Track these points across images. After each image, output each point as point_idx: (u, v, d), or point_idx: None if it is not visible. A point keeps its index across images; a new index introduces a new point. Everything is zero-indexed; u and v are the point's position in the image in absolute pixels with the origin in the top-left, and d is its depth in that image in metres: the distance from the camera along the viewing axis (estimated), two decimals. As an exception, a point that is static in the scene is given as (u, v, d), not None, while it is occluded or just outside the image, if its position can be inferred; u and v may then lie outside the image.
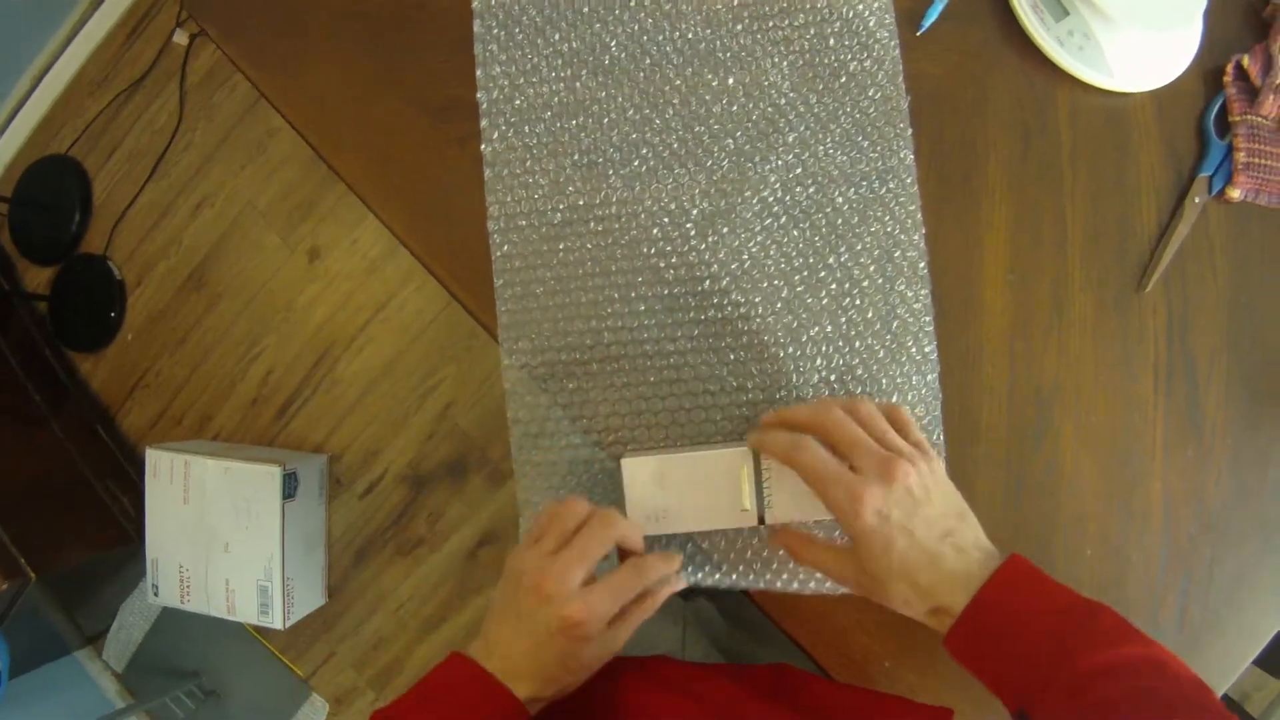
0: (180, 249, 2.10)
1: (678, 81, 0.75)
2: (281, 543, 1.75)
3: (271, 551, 1.75)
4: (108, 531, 1.95)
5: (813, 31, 0.75)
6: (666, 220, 0.74)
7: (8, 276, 2.19)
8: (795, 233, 0.73)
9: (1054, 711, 0.52)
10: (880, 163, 0.73)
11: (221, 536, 1.78)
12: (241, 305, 2.06)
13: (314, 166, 1.97)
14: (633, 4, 0.76)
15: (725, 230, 0.73)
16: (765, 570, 0.70)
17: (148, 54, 2.14)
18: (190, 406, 2.10)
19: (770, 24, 0.75)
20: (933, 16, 0.75)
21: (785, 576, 0.69)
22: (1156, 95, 0.76)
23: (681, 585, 0.68)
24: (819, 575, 0.69)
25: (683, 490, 0.66)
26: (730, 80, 0.75)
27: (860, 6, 0.75)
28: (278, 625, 1.78)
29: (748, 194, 0.73)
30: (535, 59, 0.76)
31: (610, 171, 0.74)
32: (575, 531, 0.62)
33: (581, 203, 0.74)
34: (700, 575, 0.70)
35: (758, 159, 0.74)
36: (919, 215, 0.73)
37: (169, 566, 1.83)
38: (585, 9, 0.76)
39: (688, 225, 0.73)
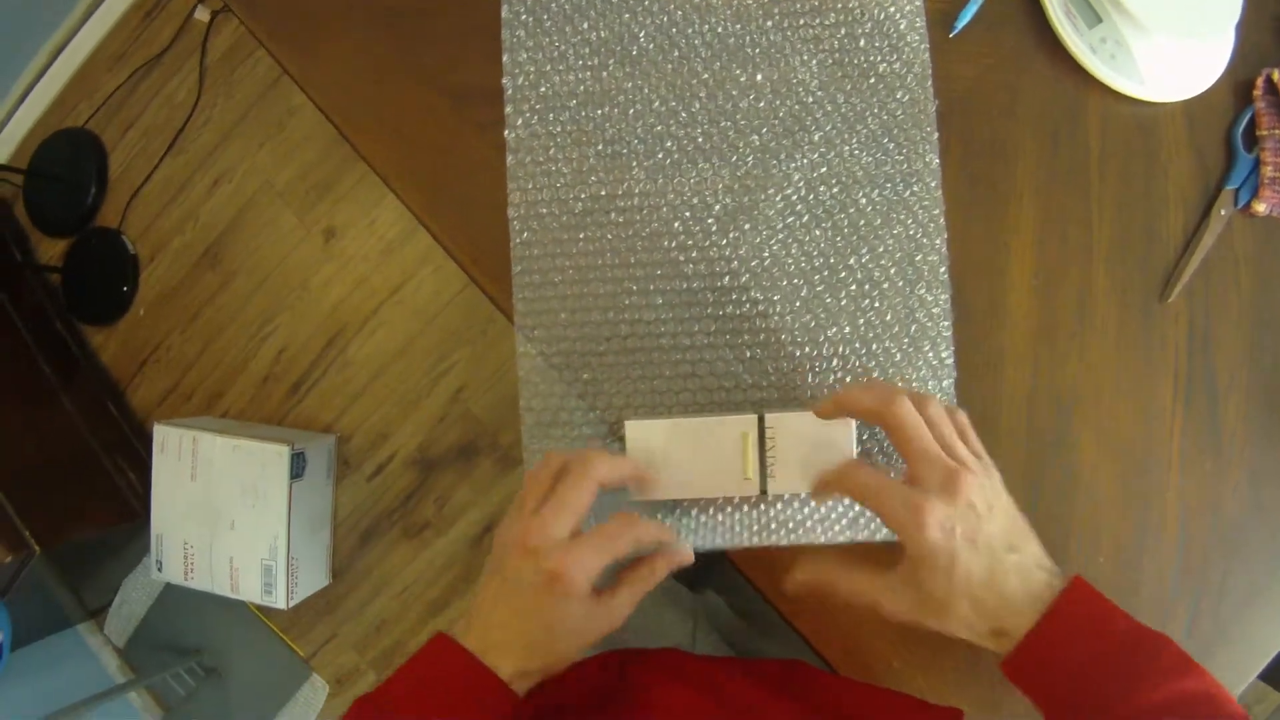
0: (196, 225, 2.10)
1: (705, 75, 0.74)
2: (287, 523, 1.75)
3: (277, 531, 1.76)
4: (114, 507, 1.96)
5: (843, 31, 0.75)
6: (688, 214, 0.73)
7: (21, 248, 2.20)
8: (817, 232, 0.72)
9: None
10: (905, 165, 0.73)
11: (227, 514, 1.78)
12: (255, 283, 2.06)
13: (333, 146, 1.97)
14: (662, -5, 0.76)
15: (747, 227, 0.73)
16: (767, 529, 0.69)
17: (167, 30, 2.14)
18: (201, 383, 2.10)
19: (801, 22, 0.75)
20: (966, 19, 0.75)
21: (789, 532, 0.69)
22: (1187, 105, 0.75)
23: (686, 556, 0.65)
24: (827, 526, 0.68)
25: (685, 457, 0.66)
26: (758, 76, 0.74)
27: (892, 8, 0.74)
28: (281, 605, 1.79)
29: (771, 191, 0.73)
30: (562, 46, 0.75)
31: (634, 163, 0.74)
32: (556, 487, 0.60)
33: (604, 193, 0.74)
34: (702, 538, 0.69)
35: (783, 156, 0.73)
36: (942, 220, 0.72)
37: (173, 543, 1.83)
38: (614, -1, 0.76)
39: (709, 220, 0.73)
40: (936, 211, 0.72)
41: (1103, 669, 0.53)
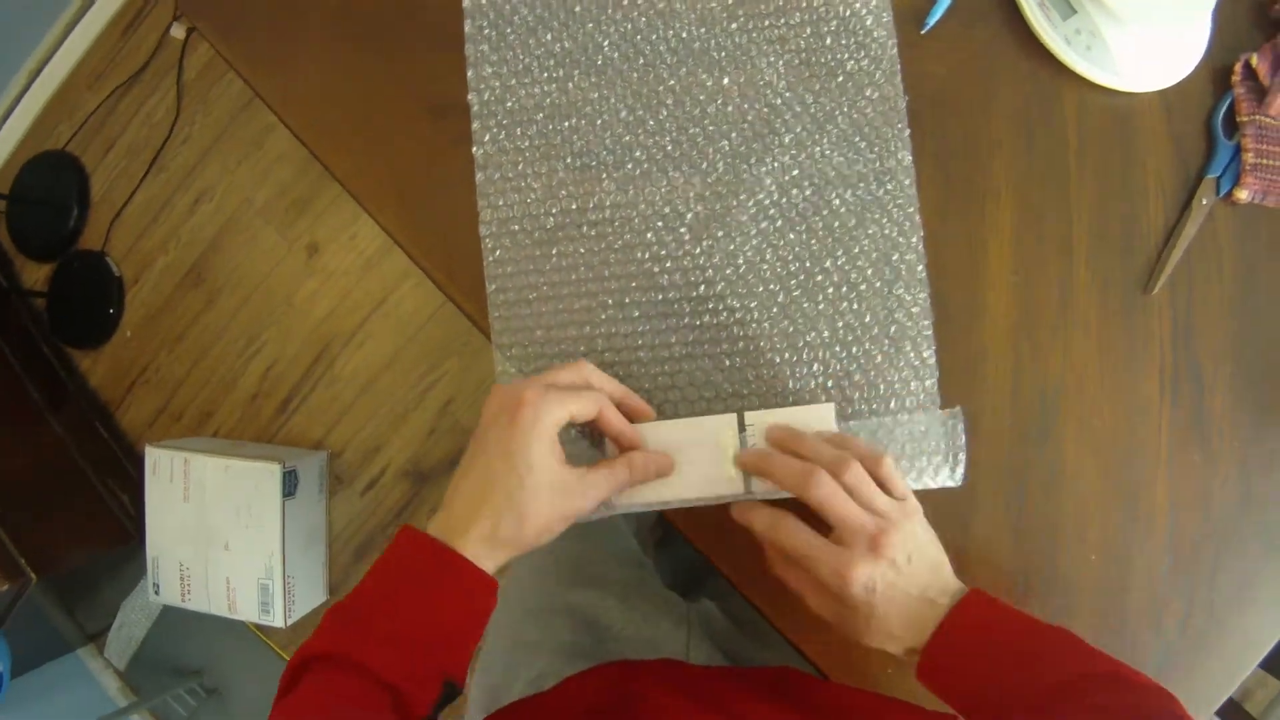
0: (178, 244, 2.09)
1: (671, 82, 0.74)
2: (282, 541, 1.75)
3: (272, 550, 1.75)
4: (108, 530, 1.95)
5: (809, 30, 0.74)
6: (660, 224, 0.72)
7: (5, 273, 2.19)
8: (791, 236, 0.72)
9: None
10: (878, 164, 0.72)
11: (222, 535, 1.78)
12: (240, 301, 2.05)
13: (311, 162, 1.90)
14: (625, 3, 0.74)
15: (720, 234, 0.72)
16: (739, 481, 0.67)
17: (145, 47, 2.13)
18: (190, 403, 2.09)
19: (766, 23, 0.74)
20: (937, 14, 0.74)
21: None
22: (1164, 95, 0.74)
23: (665, 464, 0.65)
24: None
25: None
26: (725, 80, 0.73)
27: (857, 5, 0.73)
28: (279, 624, 1.78)
29: (743, 197, 0.72)
30: (527, 59, 0.75)
31: (604, 175, 0.73)
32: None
33: (574, 207, 0.73)
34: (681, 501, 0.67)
35: (753, 161, 0.72)
36: (917, 218, 0.71)
37: (169, 565, 1.83)
38: (577, 8, 0.75)
39: (682, 230, 0.72)
40: (911, 210, 0.71)
41: (1001, 664, 0.57)
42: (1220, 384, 0.71)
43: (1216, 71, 0.75)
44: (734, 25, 0.74)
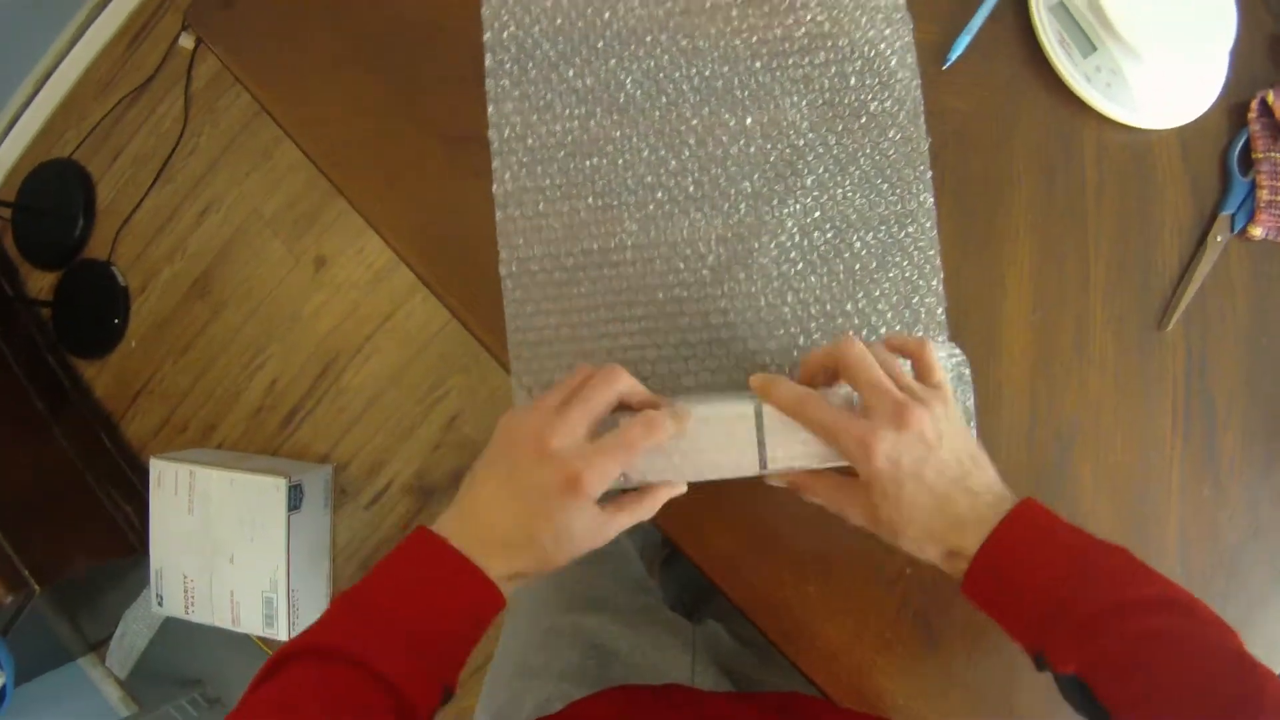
0: (185, 255, 2.08)
1: (694, 121, 0.74)
2: (287, 555, 1.74)
3: (277, 564, 1.75)
4: (111, 541, 1.94)
5: (833, 70, 0.74)
6: (682, 266, 0.72)
7: (11, 281, 2.18)
8: (813, 279, 0.72)
9: (1068, 650, 0.53)
10: (900, 206, 0.72)
11: (226, 548, 1.78)
12: (246, 313, 2.04)
13: (320, 175, 1.92)
14: (649, 40, 0.74)
15: (742, 276, 0.72)
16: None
17: (153, 57, 2.11)
18: (194, 414, 2.08)
19: (790, 62, 0.74)
20: (959, 50, 0.74)
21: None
22: (1181, 131, 0.75)
23: (680, 489, 0.66)
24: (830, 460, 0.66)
25: (681, 440, 0.64)
26: (748, 120, 0.74)
27: (882, 45, 0.74)
28: (283, 637, 1.78)
29: (765, 239, 0.72)
30: (549, 95, 0.74)
31: (625, 215, 0.73)
32: (579, 389, 0.61)
33: (596, 247, 0.73)
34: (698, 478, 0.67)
35: (775, 202, 0.72)
36: (938, 260, 0.72)
37: (173, 577, 1.82)
38: (600, 44, 0.75)
39: (704, 271, 0.72)
40: (932, 252, 0.72)
41: (1055, 580, 0.54)
42: (1234, 419, 0.72)
43: (1232, 108, 0.75)
44: (758, 64, 0.74)
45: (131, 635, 2.10)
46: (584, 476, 0.56)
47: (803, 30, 0.74)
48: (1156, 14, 0.70)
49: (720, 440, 0.64)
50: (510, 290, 0.72)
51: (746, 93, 0.74)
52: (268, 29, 0.80)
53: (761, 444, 0.64)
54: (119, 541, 1.95)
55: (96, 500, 1.97)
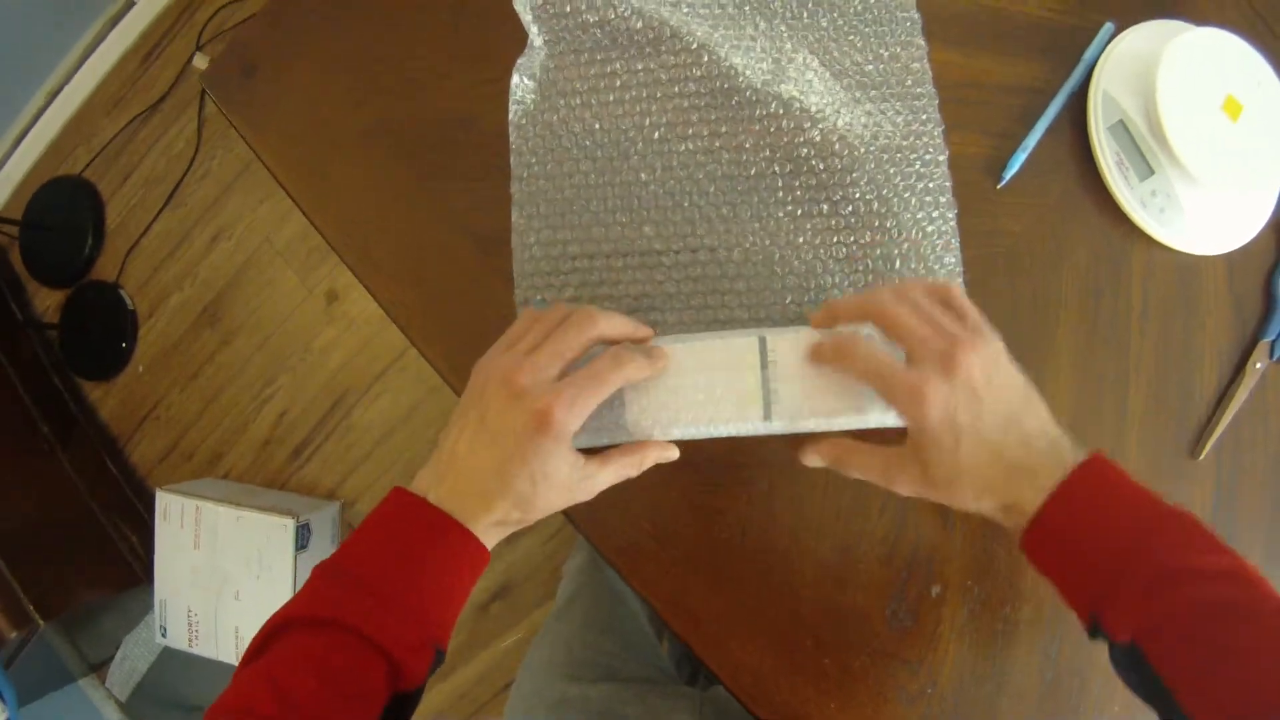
0: (195, 281, 2.06)
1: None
2: (294, 593, 1.72)
3: (283, 601, 1.73)
4: (116, 571, 1.93)
5: (879, 251, 0.71)
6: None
7: (17, 299, 2.16)
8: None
9: (1126, 614, 0.50)
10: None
11: (232, 584, 1.76)
12: (257, 344, 2.03)
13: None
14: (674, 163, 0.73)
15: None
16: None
17: (166, 75, 2.10)
18: (201, 443, 2.07)
19: (835, 239, 0.72)
20: (1014, 167, 0.73)
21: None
22: (1229, 257, 0.73)
23: (673, 454, 0.65)
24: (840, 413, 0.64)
25: (682, 386, 0.63)
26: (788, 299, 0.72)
27: (929, 227, 0.72)
28: (287, 674, 1.76)
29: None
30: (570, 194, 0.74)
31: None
32: (553, 332, 0.61)
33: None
34: (698, 429, 0.65)
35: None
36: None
37: (177, 609, 1.81)
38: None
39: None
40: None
41: (1118, 542, 0.52)
42: (1255, 551, 0.71)
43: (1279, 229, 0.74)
44: (800, 240, 0.72)
45: (132, 659, 2.09)
46: (553, 409, 0.56)
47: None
48: (1217, 140, 0.68)
49: (721, 388, 0.62)
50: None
51: (787, 269, 0.72)
52: (291, 106, 0.79)
53: (769, 393, 0.62)
54: (124, 573, 1.94)
55: (102, 530, 1.95)
